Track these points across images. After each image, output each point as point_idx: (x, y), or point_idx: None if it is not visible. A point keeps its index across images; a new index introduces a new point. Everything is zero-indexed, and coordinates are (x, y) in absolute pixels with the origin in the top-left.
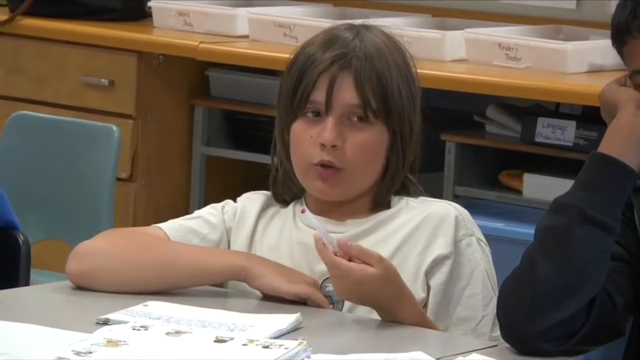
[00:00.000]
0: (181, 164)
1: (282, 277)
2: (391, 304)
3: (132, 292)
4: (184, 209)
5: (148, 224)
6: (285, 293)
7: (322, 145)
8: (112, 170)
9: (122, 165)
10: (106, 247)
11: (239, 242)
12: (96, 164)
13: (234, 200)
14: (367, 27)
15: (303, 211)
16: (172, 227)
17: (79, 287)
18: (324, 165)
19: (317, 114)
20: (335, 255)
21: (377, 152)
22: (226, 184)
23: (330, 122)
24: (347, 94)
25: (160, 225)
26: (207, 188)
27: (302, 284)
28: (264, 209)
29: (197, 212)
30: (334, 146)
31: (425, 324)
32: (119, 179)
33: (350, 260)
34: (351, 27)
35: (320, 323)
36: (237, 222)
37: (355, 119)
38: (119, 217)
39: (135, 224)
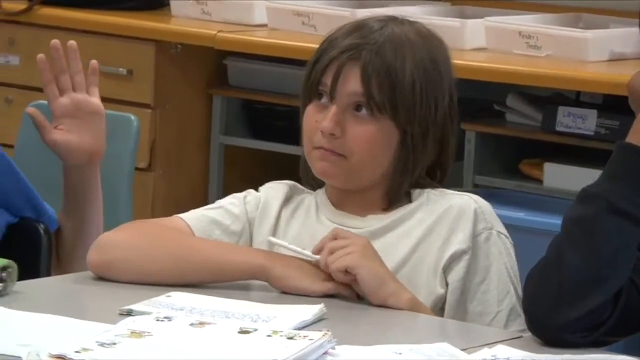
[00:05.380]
0: (199, 154)
1: (307, 276)
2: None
3: (151, 284)
4: (203, 199)
5: (167, 214)
6: (312, 293)
7: (322, 132)
8: (130, 159)
9: (140, 154)
10: (127, 239)
11: (262, 234)
12: (114, 154)
13: (256, 189)
14: (398, 20)
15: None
16: (194, 218)
17: (100, 278)
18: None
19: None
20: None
21: (382, 147)
22: (245, 174)
23: (332, 110)
24: (351, 85)
25: (182, 215)
26: (226, 177)
27: (327, 280)
28: (287, 200)
29: (218, 202)
30: (332, 134)
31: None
32: (137, 169)
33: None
34: (382, 18)
35: (344, 314)
36: (259, 213)
37: (361, 111)
38: (138, 207)
39: (153, 214)
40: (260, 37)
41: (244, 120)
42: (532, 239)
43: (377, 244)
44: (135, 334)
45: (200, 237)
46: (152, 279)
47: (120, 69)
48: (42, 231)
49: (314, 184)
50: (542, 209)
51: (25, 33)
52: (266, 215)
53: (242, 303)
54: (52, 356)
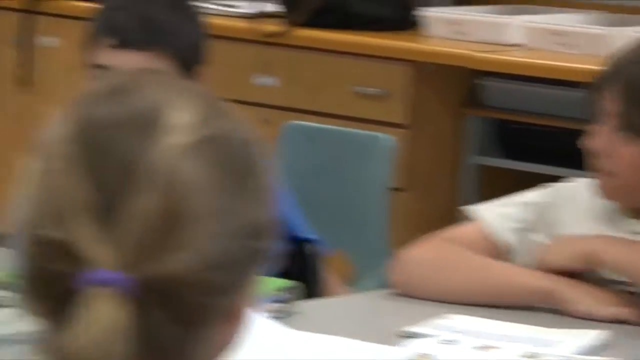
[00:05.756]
0: (453, 173)
1: (596, 300)
2: None
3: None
4: (457, 220)
5: (421, 234)
6: (602, 318)
7: (591, 151)
8: (386, 180)
9: (395, 175)
10: (424, 257)
11: (545, 233)
12: (370, 174)
13: None
14: None
15: None
16: (491, 218)
17: (380, 298)
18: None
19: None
20: None
21: None
22: (500, 194)
23: (598, 130)
24: (612, 104)
25: (481, 214)
26: (481, 198)
27: (615, 305)
28: (580, 200)
29: (517, 197)
30: (599, 153)
31: None
32: (392, 189)
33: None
34: None
35: (632, 339)
36: (550, 209)
37: (625, 132)
38: (393, 228)
39: (408, 235)
40: (517, 56)
41: (498, 140)
42: None
43: None
44: (421, 356)
45: (489, 259)
46: (441, 297)
47: (375, 89)
48: (308, 252)
49: None
50: None
51: (282, 55)
52: (557, 211)
53: (524, 327)
54: None
